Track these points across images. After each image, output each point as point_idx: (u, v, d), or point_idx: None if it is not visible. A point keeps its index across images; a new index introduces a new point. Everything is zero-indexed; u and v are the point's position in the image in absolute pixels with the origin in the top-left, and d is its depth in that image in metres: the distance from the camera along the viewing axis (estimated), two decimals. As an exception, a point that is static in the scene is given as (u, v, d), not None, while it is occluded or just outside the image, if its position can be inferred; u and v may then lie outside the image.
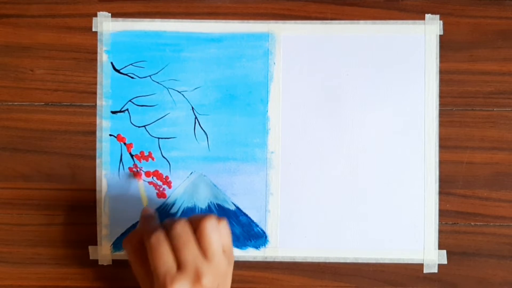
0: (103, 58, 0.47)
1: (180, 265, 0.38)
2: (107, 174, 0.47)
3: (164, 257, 0.38)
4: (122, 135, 0.47)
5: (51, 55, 0.47)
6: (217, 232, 0.39)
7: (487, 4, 0.48)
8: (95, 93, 0.47)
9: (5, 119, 0.48)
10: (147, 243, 0.39)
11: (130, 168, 0.47)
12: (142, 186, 0.46)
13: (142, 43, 0.47)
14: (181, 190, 0.47)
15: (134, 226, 0.47)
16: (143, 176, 0.47)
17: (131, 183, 0.47)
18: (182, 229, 0.39)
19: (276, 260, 0.47)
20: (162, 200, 0.47)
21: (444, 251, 0.47)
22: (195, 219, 0.40)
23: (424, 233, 0.47)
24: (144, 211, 0.43)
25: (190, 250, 0.38)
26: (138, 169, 0.47)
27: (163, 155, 0.47)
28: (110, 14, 0.47)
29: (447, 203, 0.47)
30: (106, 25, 0.47)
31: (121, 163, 0.47)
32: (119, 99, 0.47)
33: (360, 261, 0.47)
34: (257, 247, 0.47)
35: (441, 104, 0.47)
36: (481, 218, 0.47)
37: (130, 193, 0.47)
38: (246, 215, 0.47)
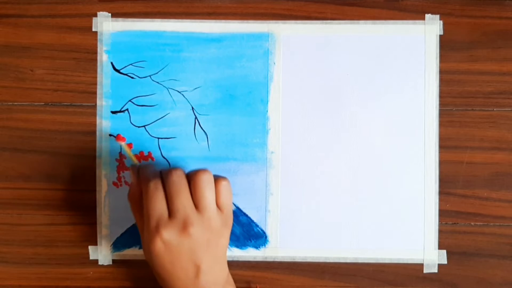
0: (103, 58, 0.47)
1: (171, 212, 0.39)
2: (107, 174, 0.47)
3: (158, 204, 0.39)
4: (122, 135, 0.47)
5: (51, 55, 0.47)
6: (211, 186, 0.40)
7: (487, 4, 0.48)
8: (95, 93, 0.47)
9: (5, 119, 0.48)
10: (144, 189, 0.40)
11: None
12: (126, 146, 0.46)
13: (142, 43, 0.47)
14: (181, 190, 0.47)
15: (134, 226, 0.47)
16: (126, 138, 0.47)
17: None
18: (178, 178, 0.39)
19: (276, 260, 0.47)
20: (162, 200, 0.47)
21: (444, 251, 0.47)
22: (192, 172, 0.40)
23: (424, 233, 0.47)
24: (138, 166, 0.42)
25: (182, 199, 0.39)
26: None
27: (163, 155, 0.47)
28: (110, 14, 0.47)
29: (447, 203, 0.47)
30: (106, 25, 0.47)
31: (121, 163, 0.47)
32: (119, 99, 0.47)
33: (360, 261, 0.47)
34: (257, 247, 0.47)
35: (441, 104, 0.47)
36: (481, 218, 0.47)
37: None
38: (246, 215, 0.47)
